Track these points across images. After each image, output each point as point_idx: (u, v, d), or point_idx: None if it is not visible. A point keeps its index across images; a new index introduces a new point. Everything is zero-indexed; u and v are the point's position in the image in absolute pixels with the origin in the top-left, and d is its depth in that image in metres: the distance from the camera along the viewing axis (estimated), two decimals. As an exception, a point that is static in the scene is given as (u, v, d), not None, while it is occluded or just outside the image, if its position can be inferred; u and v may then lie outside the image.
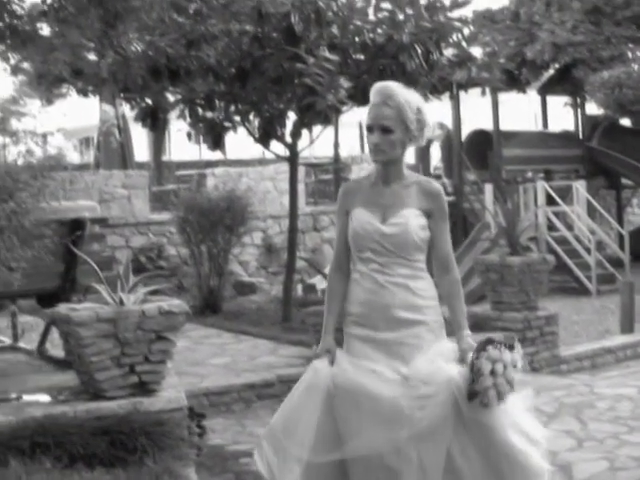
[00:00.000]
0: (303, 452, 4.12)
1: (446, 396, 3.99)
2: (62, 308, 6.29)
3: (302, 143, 12.14)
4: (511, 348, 4.03)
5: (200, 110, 11.71)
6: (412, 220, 4.20)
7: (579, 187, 19.38)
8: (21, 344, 8.93)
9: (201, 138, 12.38)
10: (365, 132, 4.32)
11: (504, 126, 20.69)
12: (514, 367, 4.00)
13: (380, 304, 4.19)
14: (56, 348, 7.81)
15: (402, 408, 4.01)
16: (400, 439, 4.00)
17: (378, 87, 4.26)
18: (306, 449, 4.12)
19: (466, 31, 11.44)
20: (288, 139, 11.85)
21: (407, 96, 4.22)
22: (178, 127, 12.44)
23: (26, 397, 6.39)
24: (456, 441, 4.04)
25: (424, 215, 4.25)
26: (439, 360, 4.09)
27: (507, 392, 3.96)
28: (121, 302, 6.12)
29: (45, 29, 13.92)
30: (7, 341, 9.13)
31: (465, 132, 21.24)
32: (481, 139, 20.88)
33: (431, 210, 4.27)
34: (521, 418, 4.12)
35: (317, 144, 13.27)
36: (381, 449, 4.04)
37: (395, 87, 4.24)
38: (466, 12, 12.17)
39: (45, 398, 6.33)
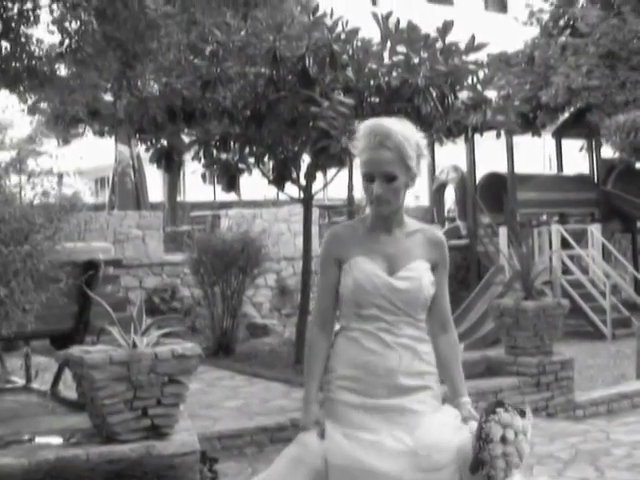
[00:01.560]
0: None
1: (455, 468, 3.57)
2: (75, 350, 6.28)
3: (316, 185, 12.14)
4: (522, 414, 3.61)
5: (215, 152, 11.73)
6: (424, 274, 3.77)
7: (594, 230, 19.36)
8: (34, 385, 8.92)
9: (215, 179, 12.39)
10: (362, 180, 3.78)
11: (519, 169, 20.70)
12: (524, 436, 3.55)
13: (382, 368, 3.68)
14: (69, 389, 7.79)
15: None
16: None
17: (371, 127, 3.73)
18: None
19: (481, 74, 11.46)
20: (302, 181, 11.86)
21: (405, 132, 3.71)
22: (193, 168, 12.47)
23: (38, 439, 6.37)
24: None
25: (431, 268, 3.83)
26: (449, 426, 3.66)
27: (516, 466, 3.53)
28: (134, 345, 6.11)
29: (62, 70, 14.04)
30: (20, 382, 9.13)
31: (479, 175, 21.25)
32: (495, 182, 20.88)
33: (437, 262, 3.85)
34: None
35: (331, 186, 13.27)
36: None
37: (390, 124, 3.72)
38: (481, 55, 12.14)
39: (57, 440, 6.31)
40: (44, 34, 13.42)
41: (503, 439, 3.50)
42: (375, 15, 10.85)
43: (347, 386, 3.72)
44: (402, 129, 3.71)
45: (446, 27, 10.92)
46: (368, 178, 3.72)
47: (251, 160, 11.87)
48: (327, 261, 3.87)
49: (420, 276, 3.75)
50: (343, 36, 10.76)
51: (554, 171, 24.55)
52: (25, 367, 9.12)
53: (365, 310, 3.73)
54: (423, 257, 3.81)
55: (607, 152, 22.12)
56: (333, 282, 3.83)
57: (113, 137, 24.06)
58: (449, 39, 10.92)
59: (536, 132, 22.22)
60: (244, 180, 12.26)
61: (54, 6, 13.07)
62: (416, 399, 3.69)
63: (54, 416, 7.51)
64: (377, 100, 11.06)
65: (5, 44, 12.96)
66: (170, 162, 12.02)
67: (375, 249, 3.78)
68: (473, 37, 10.97)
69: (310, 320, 3.98)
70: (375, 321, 3.72)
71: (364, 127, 3.75)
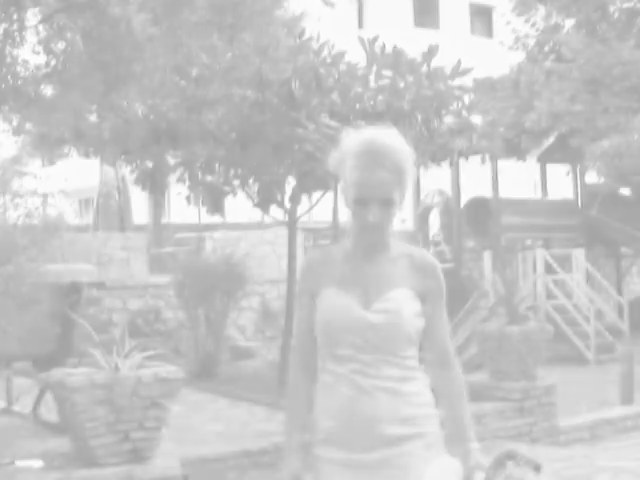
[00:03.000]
0: None
1: None
2: (57, 373, 6.25)
3: (301, 208, 12.14)
4: (537, 469, 3.14)
5: (200, 174, 11.73)
6: (405, 305, 3.21)
7: (578, 255, 19.37)
8: (15, 408, 8.87)
9: (200, 201, 12.38)
10: (351, 204, 3.23)
11: (504, 193, 20.74)
12: None
13: (362, 416, 3.14)
14: (51, 412, 7.74)
15: None
16: None
17: (367, 143, 3.19)
18: None
19: (466, 99, 11.50)
20: (287, 204, 11.85)
21: (404, 149, 3.21)
22: (177, 190, 12.47)
23: (19, 462, 6.32)
24: None
25: (418, 297, 3.25)
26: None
27: None
28: (117, 367, 6.08)
29: (48, 90, 14.04)
30: (1, 404, 9.07)
31: (464, 199, 21.28)
32: (480, 206, 20.91)
33: (427, 291, 3.28)
34: None
35: (316, 209, 13.27)
36: None
37: (391, 140, 3.20)
38: (467, 80, 12.18)
39: (38, 464, 6.26)
40: (30, 55, 13.42)
41: None
42: (361, 39, 10.89)
43: (328, 439, 3.22)
44: (400, 144, 3.21)
45: (431, 51, 10.96)
46: (361, 202, 3.17)
47: (236, 182, 11.88)
48: (302, 294, 3.40)
49: (399, 307, 3.20)
50: (329, 60, 10.79)
51: (539, 196, 24.61)
52: (6, 389, 9.06)
53: (340, 349, 3.21)
54: (406, 285, 3.25)
55: (591, 177, 22.20)
56: (310, 317, 3.31)
57: (98, 158, 24.03)
58: (435, 63, 10.96)
59: (521, 157, 22.27)
60: (229, 202, 12.26)
61: (40, 27, 13.07)
62: (404, 451, 3.17)
63: (35, 439, 7.47)
64: (362, 123, 11.07)
65: (-9, 64, 12.95)
66: (155, 184, 12.01)
67: (351, 278, 3.26)
68: (459, 62, 11.01)
69: (291, 361, 3.48)
70: (349, 362, 3.19)
71: (357, 142, 3.21)
